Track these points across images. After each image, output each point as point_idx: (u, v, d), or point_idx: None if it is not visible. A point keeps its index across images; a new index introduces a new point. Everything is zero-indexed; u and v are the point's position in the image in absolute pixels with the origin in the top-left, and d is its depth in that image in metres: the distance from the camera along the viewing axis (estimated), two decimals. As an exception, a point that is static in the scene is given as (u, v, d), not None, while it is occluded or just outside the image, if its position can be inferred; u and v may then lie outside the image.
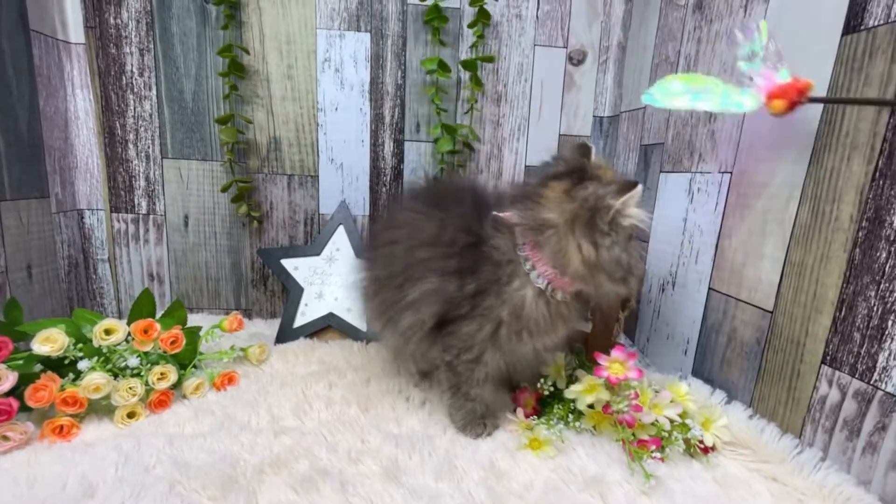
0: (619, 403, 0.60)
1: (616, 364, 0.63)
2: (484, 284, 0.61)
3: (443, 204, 0.67)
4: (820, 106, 0.57)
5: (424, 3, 0.92)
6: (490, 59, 0.96)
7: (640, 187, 0.58)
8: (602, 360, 0.64)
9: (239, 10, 0.93)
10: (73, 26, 0.92)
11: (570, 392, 0.65)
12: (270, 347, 0.89)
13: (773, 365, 0.63)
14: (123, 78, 0.94)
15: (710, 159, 0.74)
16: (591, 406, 0.65)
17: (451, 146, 0.96)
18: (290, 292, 0.97)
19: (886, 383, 0.50)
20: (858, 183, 0.53)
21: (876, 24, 0.51)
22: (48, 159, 0.90)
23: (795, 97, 0.52)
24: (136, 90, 0.95)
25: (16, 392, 0.61)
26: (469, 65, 0.94)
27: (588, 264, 0.57)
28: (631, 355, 0.64)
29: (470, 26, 0.95)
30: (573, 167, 0.61)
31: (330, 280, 0.98)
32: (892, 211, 0.50)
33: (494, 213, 0.62)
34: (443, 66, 0.93)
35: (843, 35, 0.55)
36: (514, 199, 0.62)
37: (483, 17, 0.93)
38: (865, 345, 0.52)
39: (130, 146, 0.97)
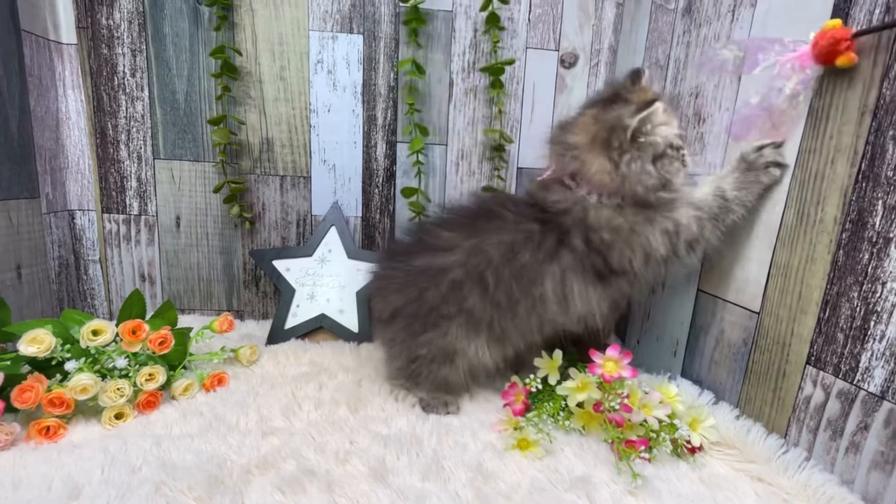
0: (611, 401, 0.60)
1: (610, 362, 0.63)
2: (574, 226, 0.65)
3: (485, 218, 0.70)
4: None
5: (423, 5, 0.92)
6: (510, 62, 0.97)
7: (657, 104, 0.59)
8: (597, 357, 0.64)
9: (231, 11, 0.93)
10: (65, 27, 0.92)
11: (563, 388, 0.65)
12: (261, 348, 0.89)
13: (759, 365, 0.64)
14: (115, 78, 0.94)
15: (700, 161, 0.75)
16: (580, 405, 0.65)
17: (422, 146, 0.96)
18: (282, 293, 0.97)
19: (869, 383, 0.50)
20: (842, 185, 0.54)
21: (859, 28, 0.52)
22: (39, 159, 0.90)
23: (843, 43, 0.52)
24: (128, 91, 0.94)
25: (2, 393, 0.61)
26: (495, 70, 0.95)
27: (610, 175, 0.62)
28: (626, 354, 0.64)
29: (484, 32, 0.97)
30: (610, 93, 0.66)
31: (322, 281, 0.98)
32: (874, 213, 0.50)
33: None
34: (418, 68, 0.93)
35: (826, 39, 0.56)
36: (556, 127, 0.70)
37: (494, 23, 0.94)
38: (849, 345, 0.52)
39: (122, 147, 0.96)
